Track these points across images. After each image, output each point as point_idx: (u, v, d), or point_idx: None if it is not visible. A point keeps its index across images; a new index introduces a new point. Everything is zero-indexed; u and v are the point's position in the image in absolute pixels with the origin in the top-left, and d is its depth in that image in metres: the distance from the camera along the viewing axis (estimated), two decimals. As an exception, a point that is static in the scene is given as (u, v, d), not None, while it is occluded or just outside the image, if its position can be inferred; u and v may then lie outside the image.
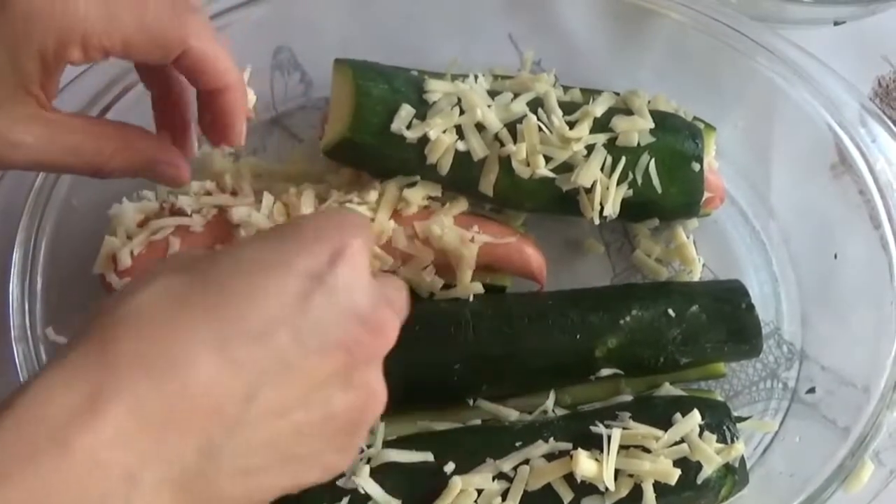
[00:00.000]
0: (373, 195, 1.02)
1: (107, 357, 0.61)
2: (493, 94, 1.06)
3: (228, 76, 0.86)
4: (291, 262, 0.68)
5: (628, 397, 1.03)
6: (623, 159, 1.03)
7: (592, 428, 0.94)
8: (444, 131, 1.01)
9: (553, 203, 1.05)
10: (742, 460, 0.98)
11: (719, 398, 1.04)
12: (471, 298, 1.03)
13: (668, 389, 1.04)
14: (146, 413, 0.59)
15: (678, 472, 0.92)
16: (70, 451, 0.57)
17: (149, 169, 0.87)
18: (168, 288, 0.65)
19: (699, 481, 0.94)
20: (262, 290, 0.66)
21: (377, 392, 0.73)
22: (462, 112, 1.02)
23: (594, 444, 0.93)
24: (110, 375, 0.60)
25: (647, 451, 0.93)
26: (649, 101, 1.09)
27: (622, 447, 0.93)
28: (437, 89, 1.03)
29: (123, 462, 0.59)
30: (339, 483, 0.91)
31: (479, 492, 0.92)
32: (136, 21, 0.78)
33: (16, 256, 1.02)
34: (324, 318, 0.67)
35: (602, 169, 1.03)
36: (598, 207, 1.03)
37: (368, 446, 0.94)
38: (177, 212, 1.00)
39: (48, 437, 0.57)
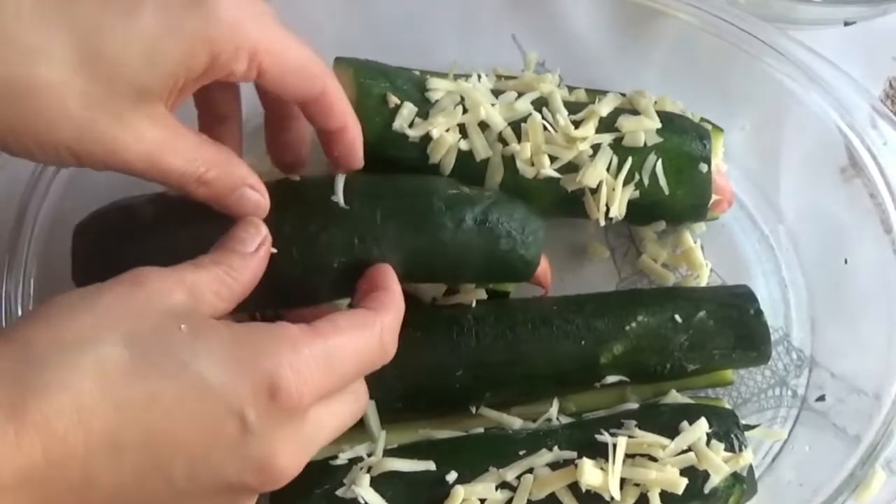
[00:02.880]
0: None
1: (14, 414, 0.62)
2: (496, 93, 1.05)
3: (349, 116, 0.91)
4: (223, 388, 0.68)
5: (634, 405, 1.02)
6: (629, 160, 1.02)
7: (597, 436, 0.93)
8: (447, 130, 0.99)
9: (558, 204, 1.03)
10: (750, 469, 0.97)
11: (727, 406, 1.03)
12: (473, 304, 1.02)
13: (674, 397, 1.02)
14: (26, 471, 0.62)
15: (685, 481, 0.91)
16: None
17: (238, 190, 0.86)
18: (101, 361, 0.66)
19: (707, 490, 0.93)
20: (183, 408, 0.67)
21: None
22: (465, 111, 1.01)
23: (599, 453, 0.92)
24: (11, 432, 0.62)
25: (654, 459, 0.92)
26: (655, 103, 1.08)
27: (628, 456, 0.92)
28: (439, 87, 1.01)
29: None
30: (339, 493, 0.90)
31: (482, 501, 0.91)
32: (300, 57, 0.84)
33: (7, 261, 1.01)
34: (227, 463, 0.69)
35: (608, 169, 1.02)
36: (603, 209, 1.02)
37: (369, 455, 0.93)
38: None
39: None
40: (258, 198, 0.87)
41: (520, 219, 0.96)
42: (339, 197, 0.92)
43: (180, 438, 0.67)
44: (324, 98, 0.87)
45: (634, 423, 0.95)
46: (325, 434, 0.77)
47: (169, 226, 0.92)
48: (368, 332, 0.79)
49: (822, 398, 1.08)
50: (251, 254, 0.82)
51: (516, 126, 1.01)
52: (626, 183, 1.02)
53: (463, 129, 1.00)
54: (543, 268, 1.02)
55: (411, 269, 0.95)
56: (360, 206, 0.93)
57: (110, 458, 0.65)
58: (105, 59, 0.72)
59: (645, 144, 1.03)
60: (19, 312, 1.00)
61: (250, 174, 0.87)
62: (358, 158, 0.94)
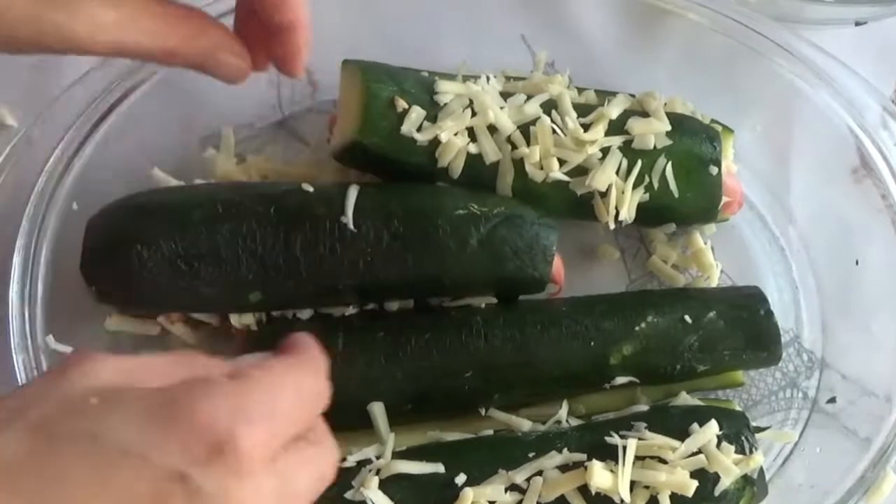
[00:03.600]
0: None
1: None
2: (505, 95, 1.04)
3: (299, 12, 0.83)
4: (151, 453, 0.60)
5: (644, 407, 1.01)
6: (639, 162, 1.02)
7: (607, 438, 0.93)
8: (456, 134, 0.99)
9: (567, 207, 1.03)
10: (761, 471, 0.96)
11: (737, 408, 1.02)
12: (483, 305, 1.01)
13: (684, 399, 1.02)
14: None
15: (695, 483, 0.91)
16: None
17: (213, 56, 0.84)
18: (1, 449, 0.59)
19: (717, 493, 0.93)
20: (105, 485, 0.59)
21: None
22: (474, 114, 1.00)
23: (609, 455, 0.92)
24: None
25: (664, 462, 0.92)
26: (665, 104, 1.07)
27: (638, 458, 0.92)
28: (448, 91, 1.01)
29: None
30: (348, 496, 0.90)
31: (492, 504, 0.90)
32: None
33: (15, 262, 1.01)
34: None
35: (617, 172, 1.01)
36: (613, 212, 1.02)
37: (378, 457, 0.93)
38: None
39: None
40: (236, 62, 0.85)
41: (528, 237, 0.97)
42: (349, 219, 0.93)
43: None
44: None
45: (644, 425, 0.95)
46: (302, 485, 0.68)
47: (176, 225, 0.92)
48: (303, 366, 0.72)
49: (832, 400, 1.07)
50: None
51: (525, 129, 1.01)
52: (635, 186, 1.02)
53: (472, 133, 1.00)
54: (557, 266, 1.02)
55: (420, 287, 0.95)
56: (368, 228, 0.94)
57: None
58: None
59: (654, 147, 1.02)
60: (26, 316, 1.00)
61: (227, 39, 0.84)
62: (298, 66, 0.88)
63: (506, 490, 0.91)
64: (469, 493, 0.89)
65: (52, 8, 0.72)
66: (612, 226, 1.03)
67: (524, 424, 0.99)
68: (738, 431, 0.95)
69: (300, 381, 0.70)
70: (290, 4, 0.82)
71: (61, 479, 0.58)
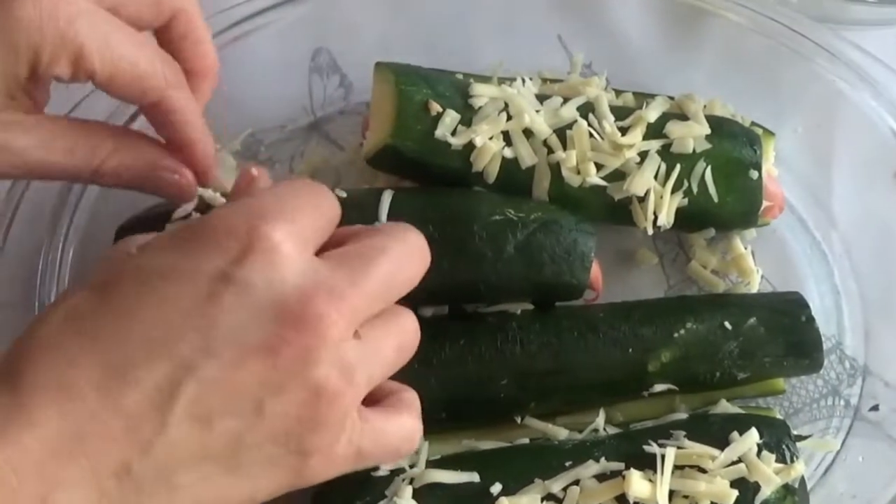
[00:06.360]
0: (416, 204, 1.00)
1: (14, 388, 0.62)
2: (541, 98, 1.03)
3: (194, 134, 0.86)
4: (193, 264, 0.66)
5: (683, 415, 1.00)
6: (678, 167, 1.01)
7: (645, 447, 0.92)
8: (491, 138, 0.98)
9: (604, 212, 1.02)
10: (802, 481, 0.95)
11: (778, 416, 1.01)
12: (518, 311, 1.00)
13: (724, 407, 1.00)
14: (55, 440, 0.61)
15: (735, 493, 0.90)
16: None
17: (150, 174, 0.85)
18: (69, 310, 0.66)
19: (757, 503, 0.91)
20: (161, 301, 0.65)
21: (327, 389, 0.68)
22: (509, 117, 0.99)
23: (647, 464, 0.90)
24: (18, 407, 0.61)
25: (703, 471, 0.91)
26: (705, 106, 1.07)
27: (676, 467, 0.91)
28: (482, 94, 1.00)
29: (35, 489, 0.60)
30: (381, 504, 0.89)
31: (527, 513, 0.89)
32: (129, 58, 0.78)
33: (42, 269, 1.01)
34: (235, 321, 0.65)
35: (656, 177, 1.00)
36: (651, 217, 1.01)
37: (411, 466, 0.92)
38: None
39: None
40: (176, 180, 0.86)
41: (566, 243, 0.96)
42: (383, 222, 0.92)
43: (168, 322, 0.64)
44: (160, 107, 0.83)
45: (683, 433, 0.94)
46: (387, 353, 0.77)
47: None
48: (314, 187, 0.77)
49: (875, 408, 1.06)
50: None
51: (562, 133, 1.00)
52: (674, 191, 1.01)
53: (507, 137, 0.99)
54: (595, 272, 1.01)
55: (455, 293, 0.94)
56: None
57: (117, 379, 0.63)
58: None
59: (694, 151, 1.01)
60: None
61: (162, 156, 0.86)
62: (208, 177, 0.90)
63: (542, 500, 0.90)
64: (504, 503, 0.88)
65: None
66: (650, 231, 1.02)
67: (561, 433, 0.98)
68: (779, 440, 0.94)
69: (314, 193, 0.75)
70: (178, 125, 0.85)
71: (126, 311, 0.65)
